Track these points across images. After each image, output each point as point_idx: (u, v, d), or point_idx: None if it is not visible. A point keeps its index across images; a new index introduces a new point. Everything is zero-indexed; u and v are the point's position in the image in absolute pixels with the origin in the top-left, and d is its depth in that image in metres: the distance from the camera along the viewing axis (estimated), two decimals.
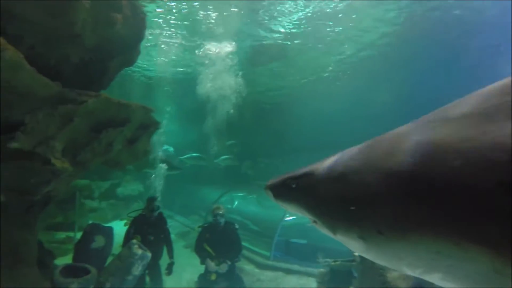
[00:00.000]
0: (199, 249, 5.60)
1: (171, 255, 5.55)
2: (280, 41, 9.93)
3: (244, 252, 7.76)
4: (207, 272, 5.47)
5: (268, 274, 6.48)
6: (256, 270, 6.90)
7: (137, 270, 4.07)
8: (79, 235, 6.37)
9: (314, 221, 1.16)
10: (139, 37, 4.64)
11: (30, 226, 4.40)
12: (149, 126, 4.96)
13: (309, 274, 6.48)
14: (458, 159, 0.73)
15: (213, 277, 5.39)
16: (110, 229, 5.05)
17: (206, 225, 5.86)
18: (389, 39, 9.52)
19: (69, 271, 3.91)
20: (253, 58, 10.98)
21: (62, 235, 9.28)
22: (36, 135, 3.58)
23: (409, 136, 0.88)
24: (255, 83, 13.05)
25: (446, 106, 0.89)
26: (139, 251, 4.16)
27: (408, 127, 0.94)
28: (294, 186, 1.15)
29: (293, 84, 13.07)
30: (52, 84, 3.51)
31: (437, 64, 10.37)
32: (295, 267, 6.79)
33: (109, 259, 4.78)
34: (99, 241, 4.67)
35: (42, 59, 3.74)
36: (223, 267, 5.34)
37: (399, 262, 0.91)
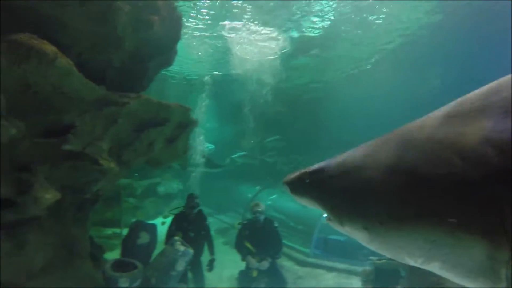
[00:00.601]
0: (240, 246, 5.64)
1: (212, 252, 5.65)
2: (320, 33, 9.59)
3: (283, 248, 7.71)
4: (248, 268, 5.49)
5: (309, 271, 6.38)
6: (296, 267, 6.82)
7: (180, 266, 4.17)
8: (124, 231, 6.67)
9: (329, 219, 1.24)
10: (176, 37, 4.73)
11: (82, 222, 4.67)
12: (187, 124, 5.04)
13: (349, 272, 6.30)
14: (450, 154, 0.79)
15: (255, 273, 5.39)
16: (154, 226, 5.23)
17: (245, 222, 5.87)
18: (430, 29, 8.97)
19: (118, 265, 4.09)
20: (295, 51, 10.72)
21: (109, 231, 9.81)
22: (85, 137, 3.77)
23: (408, 134, 0.95)
24: (292, 77, 12.93)
25: (444, 106, 0.95)
26: (182, 248, 4.26)
27: (407, 126, 1.01)
28: (307, 181, 1.24)
29: (332, 79, 12.76)
30: (97, 88, 3.67)
31: (482, 48, 9.64)
32: (336, 264, 6.63)
33: (154, 255, 4.95)
34: (144, 238, 4.85)
35: (88, 65, 3.92)
36: (264, 264, 5.33)
37: (400, 252, 0.97)
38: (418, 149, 0.88)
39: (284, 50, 10.46)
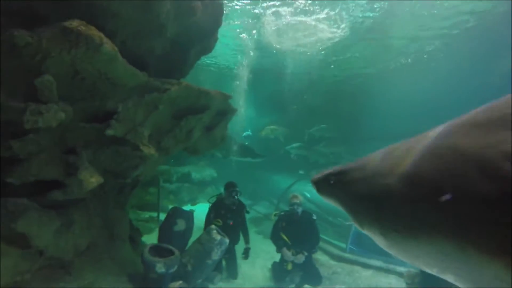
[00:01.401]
0: (275, 237, 5.57)
1: (247, 240, 5.63)
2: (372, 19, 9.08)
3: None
4: (283, 260, 5.42)
5: (345, 267, 6.17)
6: (331, 262, 6.64)
7: (216, 255, 4.17)
8: (161, 216, 6.85)
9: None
10: (217, 23, 4.64)
11: (122, 205, 4.82)
12: (226, 112, 4.99)
13: (388, 271, 6.01)
14: (471, 167, 0.76)
15: (289, 266, 5.32)
16: (191, 213, 5.30)
17: (282, 213, 5.77)
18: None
19: (155, 250, 4.18)
20: (347, 39, 10.30)
21: (146, 214, 10.21)
22: (127, 123, 3.82)
23: (432, 142, 0.92)
24: (338, 68, 12.52)
25: (460, 116, 0.92)
26: (218, 237, 4.25)
27: (431, 132, 0.98)
28: (332, 182, 1.25)
29: (382, 68, 12.17)
30: (140, 74, 3.69)
31: None
32: (373, 261, 6.35)
33: (190, 241, 5.02)
34: (180, 224, 4.92)
35: (131, 52, 3.94)
36: (300, 258, 5.23)
37: (417, 260, 0.98)
38: (439, 160, 0.86)
39: (336, 39, 9.99)
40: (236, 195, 5.66)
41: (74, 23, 2.97)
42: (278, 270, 5.51)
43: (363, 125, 13.37)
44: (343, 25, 9.45)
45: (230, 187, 5.72)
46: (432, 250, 0.89)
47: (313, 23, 9.35)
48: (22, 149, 3.17)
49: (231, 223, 5.57)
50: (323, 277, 5.42)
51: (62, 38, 2.93)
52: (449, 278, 0.91)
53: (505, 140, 0.73)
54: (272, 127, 13.35)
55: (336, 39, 10.08)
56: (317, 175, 1.39)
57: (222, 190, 6.20)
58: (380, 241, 1.09)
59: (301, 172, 12.78)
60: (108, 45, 3.15)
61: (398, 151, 1.05)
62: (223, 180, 15.85)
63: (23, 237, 3.33)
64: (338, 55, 11.42)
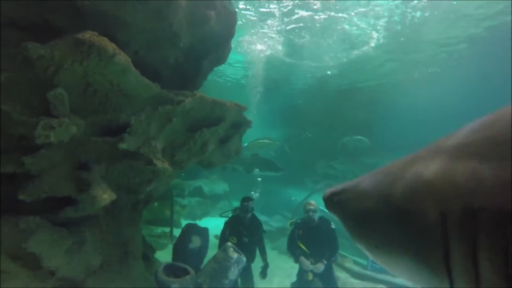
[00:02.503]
0: (292, 247, 5.27)
1: (264, 258, 5.35)
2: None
3: (338, 259, 7.20)
4: (302, 271, 5.11)
5: (367, 286, 5.79)
6: (352, 280, 6.28)
7: (233, 274, 3.94)
8: (175, 231, 6.65)
9: None
10: (231, 33, 4.55)
11: (135, 222, 4.66)
12: (241, 124, 4.84)
13: None
14: (420, 193, 0.93)
15: (310, 276, 5.00)
16: (206, 230, 5.08)
17: (298, 221, 5.46)
18: None
19: (169, 269, 3.98)
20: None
21: (158, 230, 10.02)
22: (140, 136, 3.70)
23: (402, 167, 1.05)
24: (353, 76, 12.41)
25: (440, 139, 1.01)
26: (235, 255, 4.03)
27: (406, 157, 1.09)
28: (335, 200, 1.35)
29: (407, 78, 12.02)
30: (153, 85, 3.59)
31: None
32: (396, 279, 5.96)
33: (205, 259, 4.80)
34: (195, 242, 4.71)
35: (143, 63, 3.87)
36: (320, 267, 4.91)
37: (395, 270, 1.13)
38: (401, 184, 1.00)
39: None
40: (251, 210, 5.43)
41: (87, 35, 2.89)
42: (299, 282, 5.19)
43: (390, 135, 13.11)
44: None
45: (244, 201, 5.51)
46: (401, 263, 1.04)
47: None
48: (35, 165, 3.06)
49: (246, 240, 5.32)
50: None
51: (74, 49, 2.85)
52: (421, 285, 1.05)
53: (442, 168, 0.88)
54: (260, 141, 11.70)
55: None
56: (326, 191, 1.47)
57: (234, 204, 5.98)
58: (369, 255, 1.24)
59: (317, 187, 12.47)
60: (121, 56, 3.06)
61: (382, 174, 1.17)
62: (235, 193, 15.71)
63: (33, 257, 3.19)
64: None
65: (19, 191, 3.10)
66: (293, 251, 5.25)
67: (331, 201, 1.37)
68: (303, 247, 5.17)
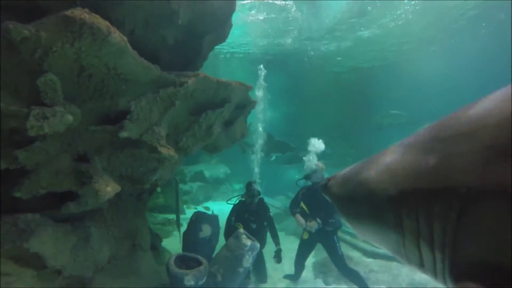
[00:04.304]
0: (293, 206, 5.19)
1: (277, 242, 5.21)
2: None
3: (347, 237, 7.12)
4: (302, 241, 5.20)
5: (381, 263, 5.71)
6: (365, 259, 6.18)
7: (247, 262, 3.79)
8: (182, 220, 6.49)
9: None
10: (231, 8, 4.20)
11: (141, 213, 4.47)
12: (245, 105, 4.56)
13: None
14: (386, 177, 1.19)
15: (305, 236, 4.98)
16: (216, 218, 4.90)
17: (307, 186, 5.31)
18: None
19: (181, 260, 3.82)
20: None
21: (162, 217, 9.89)
22: (142, 123, 3.44)
23: (378, 158, 1.31)
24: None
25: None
26: (248, 242, 3.86)
27: (385, 150, 1.32)
28: (327, 185, 1.67)
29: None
30: (152, 67, 3.29)
31: None
32: None
33: (216, 248, 4.66)
34: (206, 230, 4.54)
35: (140, 44, 3.55)
36: (312, 225, 4.81)
37: (369, 238, 1.45)
38: (373, 171, 1.28)
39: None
40: (257, 194, 5.24)
41: (77, 12, 2.57)
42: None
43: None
44: None
45: (250, 186, 5.32)
46: (369, 230, 1.33)
47: None
48: (29, 159, 2.81)
49: (254, 226, 5.17)
50: (363, 277, 4.93)
51: (63, 29, 2.53)
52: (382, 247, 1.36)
53: (408, 160, 1.11)
54: None
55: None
56: (326, 177, 1.79)
57: (236, 187, 5.80)
58: (349, 226, 1.57)
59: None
60: (116, 35, 2.75)
61: (358, 166, 1.46)
62: (237, 176, 15.56)
63: (37, 257, 2.99)
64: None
65: (15, 188, 2.87)
66: (293, 209, 5.18)
67: (324, 186, 1.71)
68: (304, 207, 5.09)
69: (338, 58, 12.60)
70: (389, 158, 1.20)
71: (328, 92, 13.87)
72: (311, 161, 5.51)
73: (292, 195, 10.31)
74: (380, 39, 11.38)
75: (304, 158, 5.71)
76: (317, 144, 5.61)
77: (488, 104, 0.88)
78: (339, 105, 14.44)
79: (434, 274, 1.04)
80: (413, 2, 9.30)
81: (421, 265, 1.09)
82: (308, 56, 12.35)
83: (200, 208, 6.68)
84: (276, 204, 12.03)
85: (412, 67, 12.34)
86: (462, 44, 11.24)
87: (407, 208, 1.05)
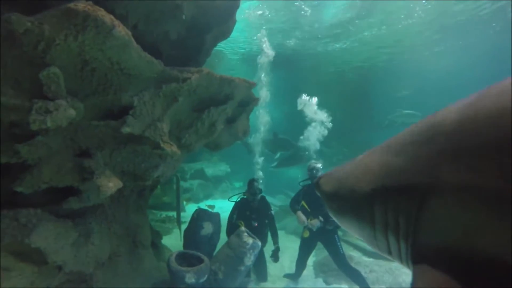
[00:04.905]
0: (294, 203, 5.17)
1: (276, 240, 5.19)
2: None
3: (348, 238, 7.10)
4: (302, 239, 5.16)
5: (382, 264, 5.68)
6: (365, 258, 6.15)
7: (249, 260, 3.77)
8: (182, 217, 6.46)
9: None
10: (236, 4, 4.16)
11: (142, 209, 4.44)
12: (248, 103, 4.53)
13: None
14: (364, 176, 1.32)
15: (306, 234, 4.95)
16: (217, 215, 4.87)
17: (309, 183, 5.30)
18: None
19: (182, 258, 3.79)
20: None
21: (162, 214, 9.87)
22: (144, 118, 3.41)
23: (363, 158, 1.41)
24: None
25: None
26: (250, 240, 3.84)
27: (367, 153, 1.44)
28: (319, 182, 1.79)
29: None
30: (156, 62, 3.26)
31: None
32: None
33: (218, 246, 4.63)
34: (207, 228, 4.51)
35: (143, 38, 3.52)
36: (314, 223, 4.79)
37: (351, 230, 1.59)
38: (356, 170, 1.40)
39: None
40: (259, 192, 5.22)
41: (80, 4, 2.53)
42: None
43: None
44: None
45: (252, 184, 5.29)
46: (350, 223, 1.47)
47: None
48: (31, 153, 2.78)
49: (255, 224, 5.14)
50: (365, 278, 4.91)
51: (67, 21, 2.49)
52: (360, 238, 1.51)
53: (379, 161, 1.26)
54: None
55: None
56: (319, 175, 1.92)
57: (236, 185, 5.77)
58: (335, 219, 1.71)
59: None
60: (121, 29, 2.71)
61: (352, 162, 1.52)
62: (237, 175, 15.53)
63: (38, 252, 2.96)
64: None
65: (15, 182, 2.83)
66: (294, 206, 5.17)
67: (316, 183, 1.81)
68: (305, 205, 5.09)
69: (340, 57, 12.55)
70: (368, 159, 1.35)
71: (330, 91, 13.85)
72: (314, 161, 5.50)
73: (292, 194, 10.31)
74: (384, 39, 11.34)
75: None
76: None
77: (447, 111, 1.00)
78: (341, 104, 14.42)
79: (400, 260, 1.18)
80: (424, 2, 9.27)
81: (389, 253, 1.25)
82: (311, 55, 12.32)
83: (203, 206, 6.67)
84: (276, 203, 12.02)
85: (417, 67, 12.31)
86: (471, 42, 11.21)
87: (379, 204, 1.19)
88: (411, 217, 1.03)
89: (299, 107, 5.39)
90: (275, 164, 12.23)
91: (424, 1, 9.23)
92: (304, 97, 5.53)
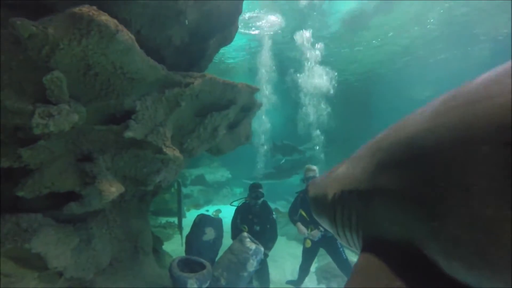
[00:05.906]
0: (293, 213, 5.12)
1: (269, 247, 5.09)
2: None
3: None
4: (304, 249, 5.07)
5: None
6: None
7: (252, 266, 3.73)
8: (183, 223, 6.43)
9: None
10: (238, 10, 4.18)
11: (144, 215, 4.41)
12: (250, 108, 4.53)
13: None
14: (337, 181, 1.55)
15: (308, 244, 4.90)
16: (219, 221, 4.83)
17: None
18: None
19: (184, 263, 3.75)
20: None
21: (163, 220, 9.82)
22: (147, 123, 3.40)
23: (338, 167, 1.66)
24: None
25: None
26: (253, 246, 3.80)
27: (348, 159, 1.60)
28: (307, 187, 2.17)
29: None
30: (159, 66, 3.26)
31: None
32: None
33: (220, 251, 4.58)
34: (209, 234, 4.47)
35: (146, 43, 3.52)
36: (315, 234, 4.75)
37: (325, 226, 1.79)
38: (331, 177, 1.66)
39: None
40: (260, 196, 5.19)
41: (84, 9, 2.54)
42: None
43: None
44: None
45: (254, 188, 5.26)
46: (324, 220, 1.70)
47: None
48: (33, 158, 2.76)
49: (258, 228, 5.11)
50: None
51: (71, 26, 2.50)
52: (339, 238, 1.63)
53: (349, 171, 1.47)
54: None
55: None
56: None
57: (237, 191, 5.73)
58: (316, 218, 1.93)
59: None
60: (124, 33, 2.72)
61: (333, 169, 1.72)
62: (237, 180, 15.48)
63: (39, 258, 2.93)
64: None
65: (17, 187, 2.82)
66: (293, 217, 5.13)
67: (306, 188, 2.00)
68: (304, 214, 5.03)
69: (341, 62, 12.58)
70: (340, 167, 1.57)
71: (330, 96, 13.88)
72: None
73: (292, 200, 10.14)
74: (389, 42, 11.38)
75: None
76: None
77: (389, 131, 1.20)
78: (341, 109, 14.45)
79: (356, 250, 1.38)
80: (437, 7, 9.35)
81: (349, 245, 1.47)
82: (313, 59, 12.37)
83: (208, 212, 6.64)
84: (281, 210, 11.96)
85: (420, 73, 12.36)
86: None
87: (340, 205, 1.43)
88: (360, 215, 1.26)
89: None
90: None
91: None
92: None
